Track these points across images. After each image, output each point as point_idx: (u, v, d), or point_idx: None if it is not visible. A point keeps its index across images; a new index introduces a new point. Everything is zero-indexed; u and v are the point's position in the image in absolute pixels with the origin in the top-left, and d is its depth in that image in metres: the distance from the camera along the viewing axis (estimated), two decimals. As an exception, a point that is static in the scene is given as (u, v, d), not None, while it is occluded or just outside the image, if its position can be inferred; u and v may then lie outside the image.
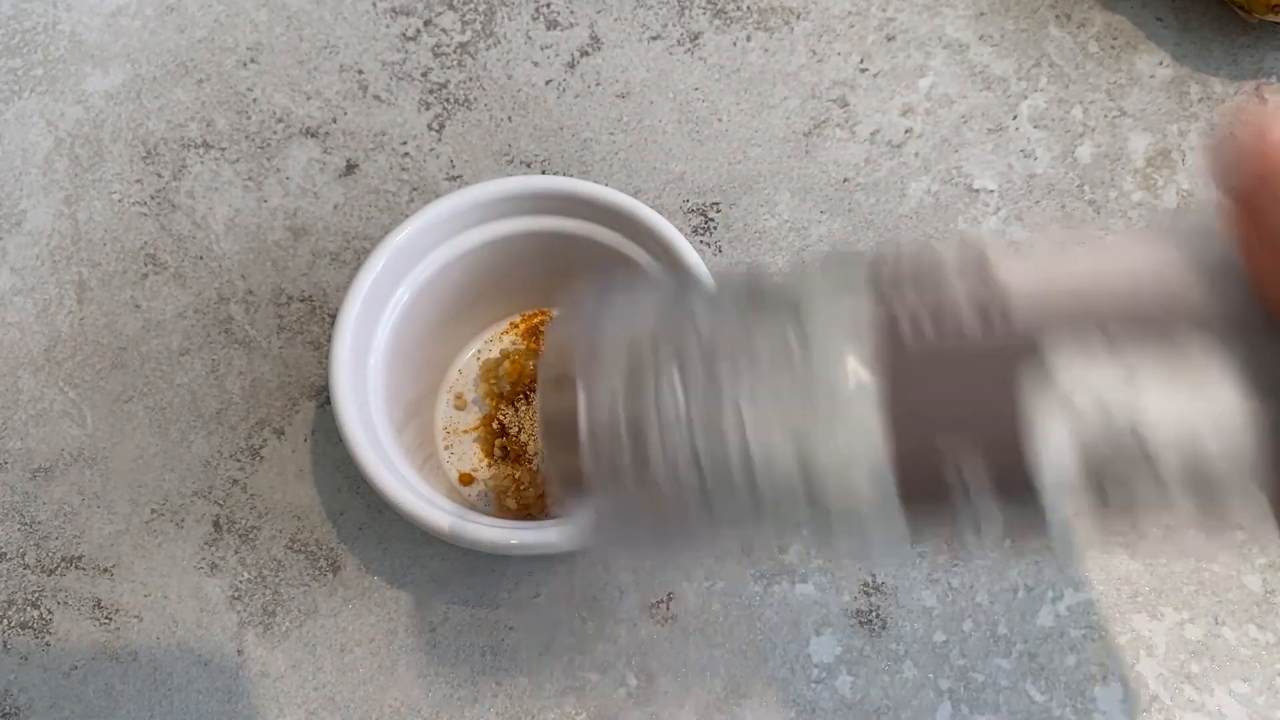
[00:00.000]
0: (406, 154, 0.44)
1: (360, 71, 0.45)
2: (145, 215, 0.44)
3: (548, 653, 0.38)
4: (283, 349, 0.42)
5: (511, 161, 0.44)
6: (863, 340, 0.19)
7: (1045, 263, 0.18)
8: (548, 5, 0.46)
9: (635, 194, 0.43)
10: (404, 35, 0.46)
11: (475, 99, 0.45)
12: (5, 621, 0.38)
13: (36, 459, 0.40)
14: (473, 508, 0.38)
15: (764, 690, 0.37)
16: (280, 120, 0.45)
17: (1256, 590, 0.38)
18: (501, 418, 0.39)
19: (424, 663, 0.38)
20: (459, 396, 0.41)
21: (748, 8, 0.46)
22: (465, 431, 0.40)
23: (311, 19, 0.46)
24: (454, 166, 0.44)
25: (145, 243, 0.43)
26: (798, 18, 0.46)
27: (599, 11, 0.46)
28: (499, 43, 0.46)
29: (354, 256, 0.43)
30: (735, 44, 0.46)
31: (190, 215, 0.44)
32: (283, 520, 0.39)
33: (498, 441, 0.39)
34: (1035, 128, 0.44)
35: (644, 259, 0.36)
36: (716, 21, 0.46)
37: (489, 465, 0.40)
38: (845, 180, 0.44)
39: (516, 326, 0.42)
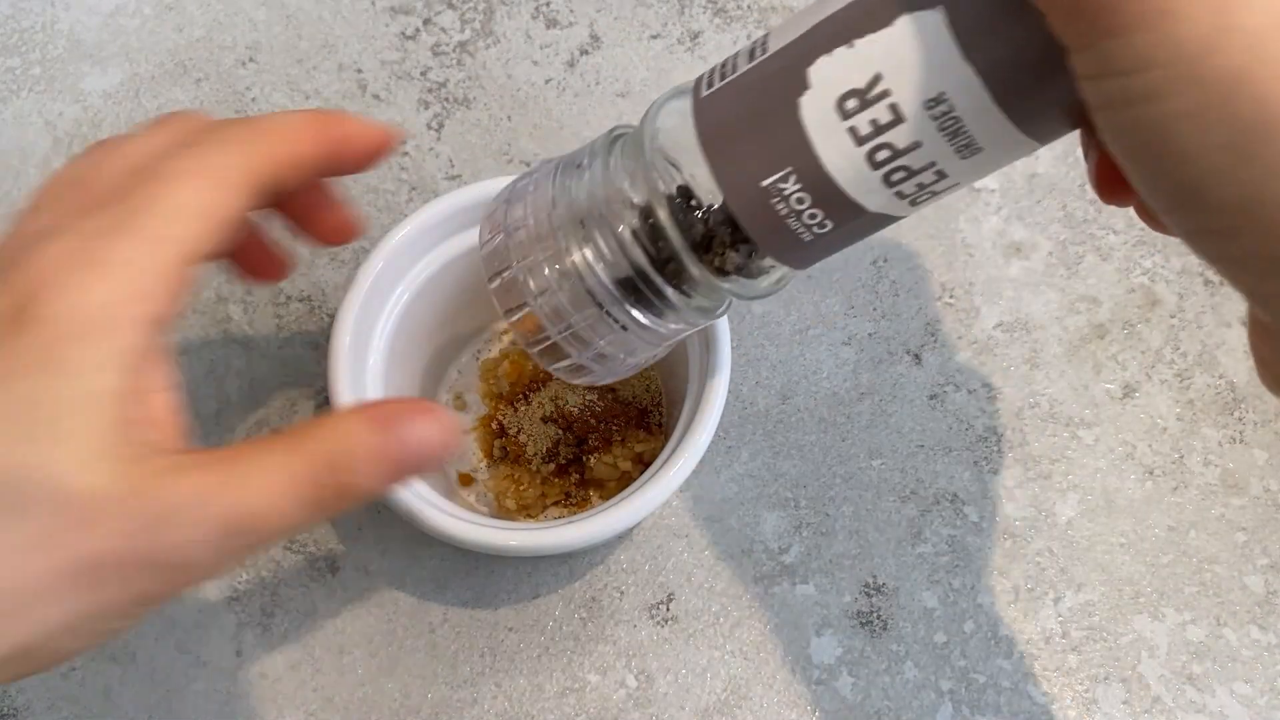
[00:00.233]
0: (406, 153, 0.44)
1: (359, 70, 0.45)
2: (144, 215, 0.44)
3: (547, 653, 0.38)
4: (281, 349, 0.41)
5: (511, 161, 0.44)
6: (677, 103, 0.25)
7: (802, 13, 0.24)
8: (547, 4, 0.46)
9: (635, 193, 0.43)
10: (403, 34, 0.46)
11: (474, 98, 0.45)
12: (3, 622, 0.38)
13: (35, 459, 0.40)
14: (472, 508, 0.38)
15: (764, 691, 0.37)
16: (279, 119, 0.45)
17: (1258, 591, 0.38)
18: (501, 418, 0.39)
19: (423, 664, 0.37)
20: (458, 396, 0.41)
21: (748, 6, 0.46)
22: (465, 432, 0.40)
23: (310, 18, 0.46)
24: (453, 166, 0.44)
25: (144, 242, 0.43)
26: (798, 16, 0.46)
27: (599, 10, 0.46)
28: (498, 41, 0.46)
29: (353, 256, 0.43)
30: (736, 43, 0.46)
31: (189, 215, 0.43)
32: (281, 521, 0.39)
33: (497, 442, 0.39)
34: (1036, 127, 0.44)
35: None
36: (717, 20, 0.46)
37: (488, 465, 0.39)
38: (846, 179, 0.44)
39: (516, 326, 0.41)
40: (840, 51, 0.22)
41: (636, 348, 0.28)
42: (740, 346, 0.41)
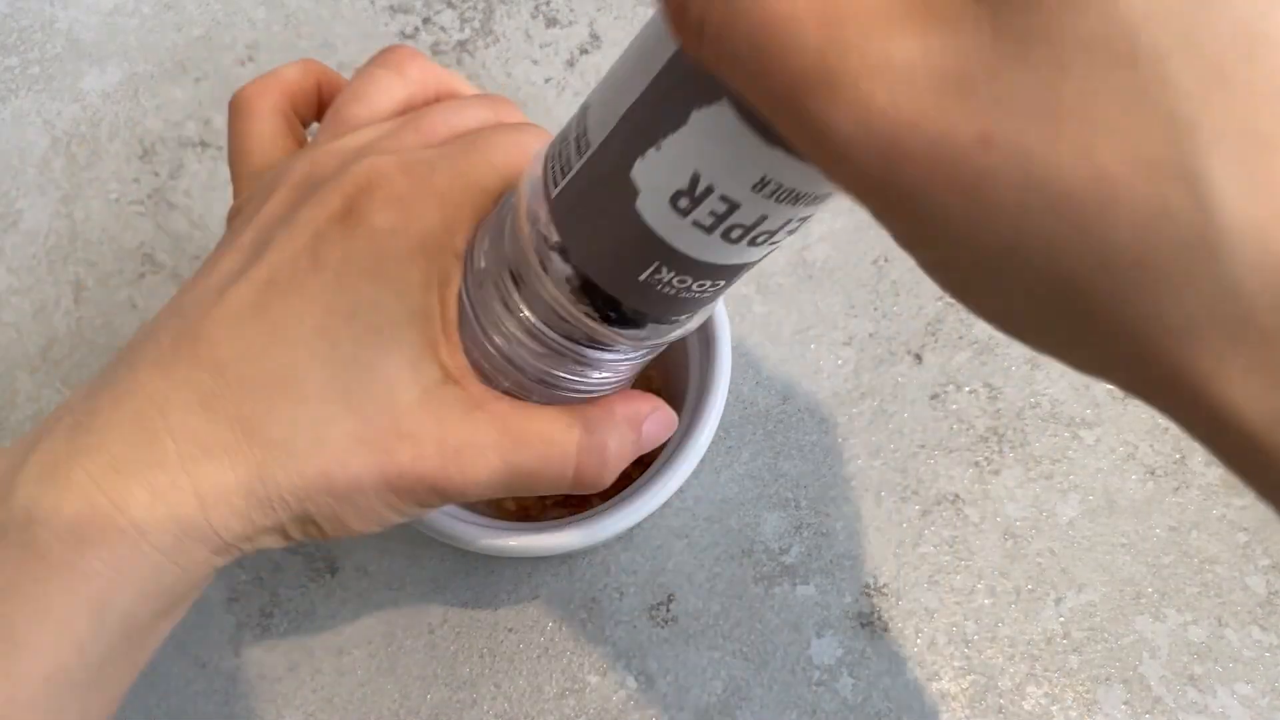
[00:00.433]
0: (405, 153, 0.44)
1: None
2: (142, 214, 0.43)
3: (546, 654, 0.37)
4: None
5: (511, 160, 0.44)
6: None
7: (612, 86, 0.23)
8: (547, 3, 0.46)
9: (635, 193, 0.43)
10: (402, 33, 0.46)
11: (474, 97, 0.45)
12: (2, 623, 0.38)
13: (33, 460, 0.40)
14: (471, 509, 0.38)
15: (764, 693, 0.37)
16: (278, 119, 0.45)
17: (1260, 592, 0.38)
18: (500, 418, 0.39)
19: (422, 665, 0.37)
20: (458, 397, 0.41)
21: (748, 5, 0.46)
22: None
23: (310, 17, 0.46)
24: (453, 165, 0.44)
25: (142, 242, 0.43)
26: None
27: (599, 9, 0.46)
28: (498, 40, 0.46)
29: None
30: (736, 42, 0.46)
31: (188, 214, 0.43)
32: (281, 521, 0.39)
33: (497, 442, 0.39)
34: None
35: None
36: (717, 19, 0.46)
37: (488, 466, 0.39)
38: (846, 179, 0.43)
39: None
40: (651, 154, 0.21)
41: (592, 378, 0.28)
42: (740, 346, 0.41)
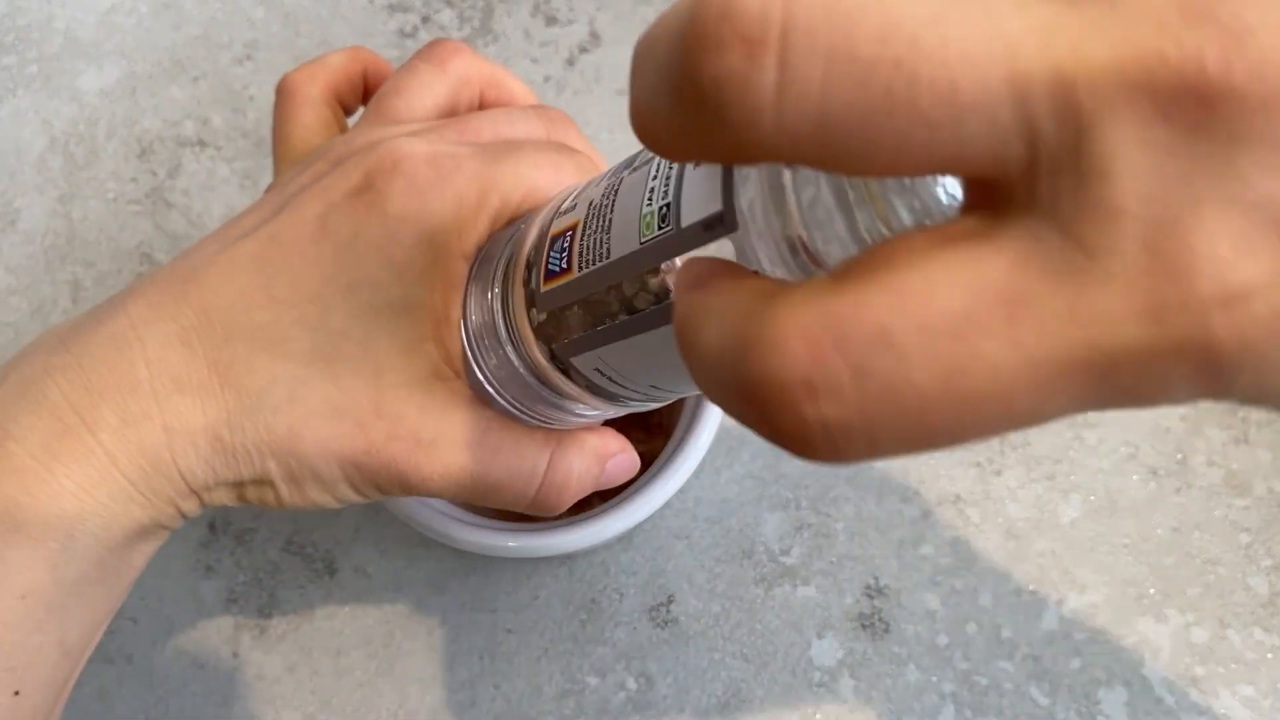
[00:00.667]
0: (404, 152, 0.44)
1: (357, 68, 0.45)
2: (140, 214, 0.43)
3: (546, 656, 0.37)
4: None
5: (510, 159, 0.44)
6: None
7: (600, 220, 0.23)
8: (547, 1, 0.46)
9: (635, 192, 0.43)
10: (401, 32, 0.46)
11: (473, 96, 0.45)
12: None
13: (30, 460, 0.40)
14: (471, 509, 0.38)
15: (765, 694, 0.37)
16: (277, 118, 0.44)
17: (1263, 593, 0.38)
18: (500, 418, 0.39)
19: (421, 666, 0.37)
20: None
21: (748, 4, 0.46)
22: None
23: (309, 15, 0.46)
24: (452, 164, 0.44)
25: (140, 241, 0.43)
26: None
27: (599, 8, 0.46)
28: (497, 39, 0.46)
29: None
30: (736, 41, 0.46)
31: (186, 214, 0.43)
32: (278, 522, 0.39)
33: (496, 442, 0.39)
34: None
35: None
36: (717, 18, 0.46)
37: (487, 466, 0.39)
38: (847, 178, 0.43)
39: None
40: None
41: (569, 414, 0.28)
42: (741, 346, 0.41)
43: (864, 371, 0.12)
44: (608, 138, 0.44)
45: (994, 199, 0.12)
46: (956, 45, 0.11)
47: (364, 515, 0.39)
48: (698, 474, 0.39)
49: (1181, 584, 0.38)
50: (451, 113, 0.31)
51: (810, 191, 0.16)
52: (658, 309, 0.21)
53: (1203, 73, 0.11)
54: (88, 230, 0.43)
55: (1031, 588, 0.38)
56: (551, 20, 0.46)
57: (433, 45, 0.31)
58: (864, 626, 0.38)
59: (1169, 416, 0.40)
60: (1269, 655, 0.37)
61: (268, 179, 0.43)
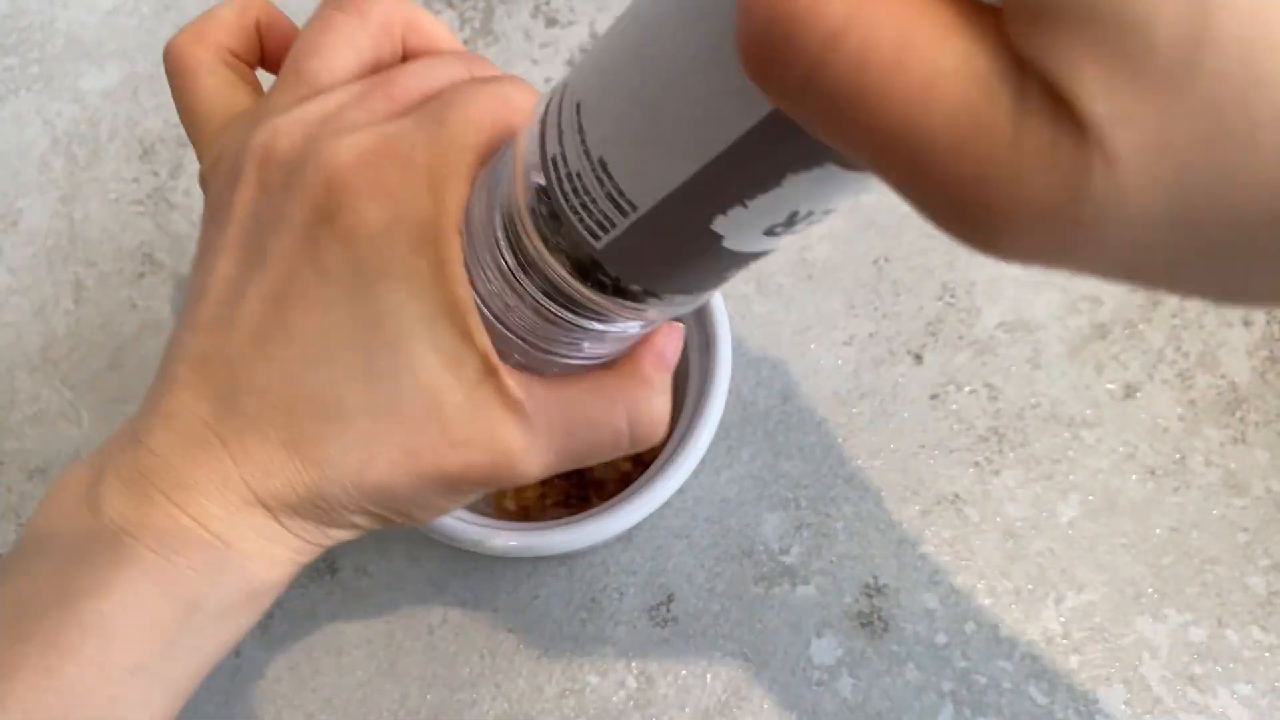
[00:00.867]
0: (405, 152, 0.44)
1: (358, 69, 0.45)
2: (142, 214, 0.43)
3: (546, 655, 0.37)
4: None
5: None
6: None
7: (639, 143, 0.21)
8: (547, 2, 0.46)
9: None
10: (402, 33, 0.46)
11: (474, 97, 0.45)
12: (1, 623, 0.38)
13: (33, 459, 0.40)
14: (471, 509, 0.38)
15: (765, 693, 0.37)
16: (278, 118, 0.45)
17: (1260, 592, 0.38)
18: (500, 418, 0.39)
19: (422, 665, 0.37)
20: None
21: (748, 5, 0.46)
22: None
23: (308, 16, 0.46)
24: (453, 165, 0.44)
25: (142, 242, 0.43)
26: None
27: (599, 9, 0.46)
28: (498, 40, 0.46)
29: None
30: (736, 42, 0.46)
31: (187, 214, 0.43)
32: (280, 521, 0.39)
33: (497, 442, 0.39)
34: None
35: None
36: (717, 19, 0.46)
37: (488, 466, 0.39)
38: (846, 179, 0.43)
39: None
40: (736, 210, 0.19)
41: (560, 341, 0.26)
42: (740, 347, 0.41)
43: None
44: (608, 138, 0.44)
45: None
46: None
47: (365, 515, 0.39)
48: (698, 474, 0.39)
49: (1180, 583, 0.38)
50: (375, 68, 0.28)
51: None
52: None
53: None
54: (89, 230, 0.43)
55: (1030, 587, 0.38)
56: (552, 21, 0.46)
57: None
58: (863, 625, 0.38)
59: (1168, 416, 0.40)
60: (1266, 654, 0.37)
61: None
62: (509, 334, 0.26)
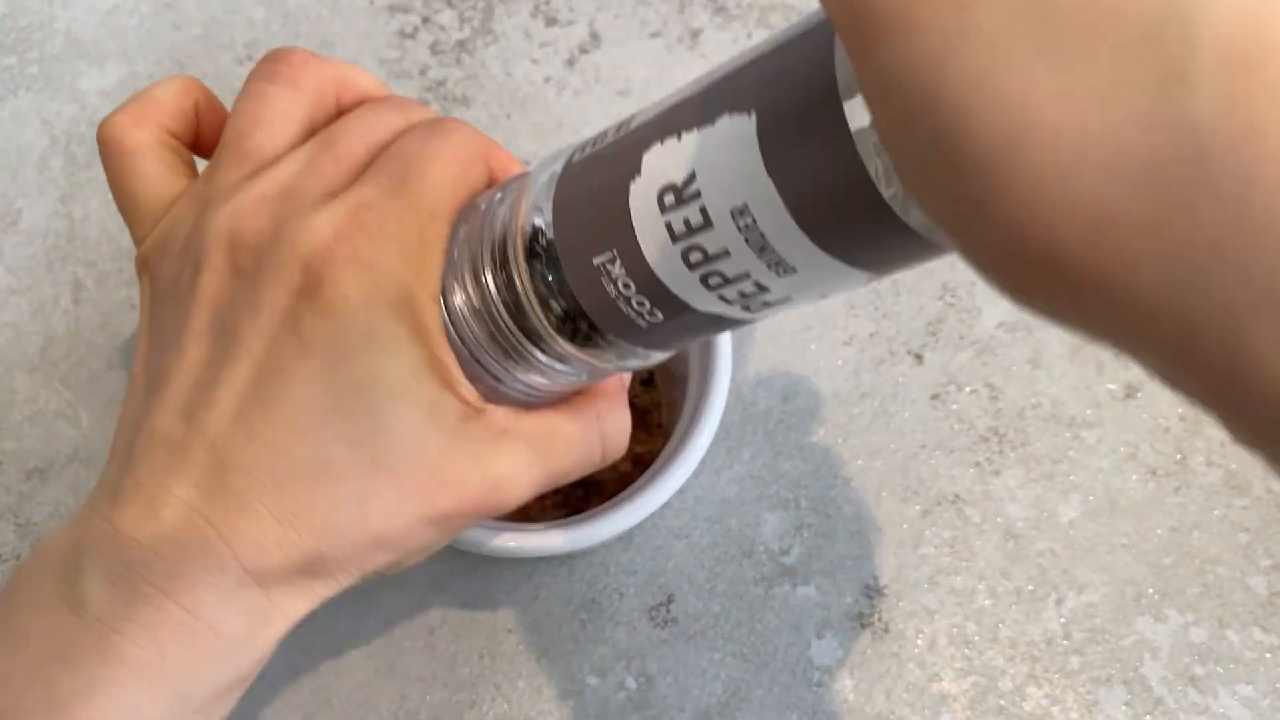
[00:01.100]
0: (404, 152, 0.44)
1: (358, 69, 0.45)
2: (141, 214, 0.43)
3: (546, 656, 0.37)
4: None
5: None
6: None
7: (675, 92, 0.23)
8: (546, 2, 0.46)
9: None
10: (401, 32, 0.46)
11: (473, 97, 0.45)
12: None
13: (32, 459, 0.40)
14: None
15: (765, 694, 0.37)
16: (277, 118, 0.44)
17: (1261, 593, 0.38)
18: (500, 418, 0.39)
19: (421, 666, 0.37)
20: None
21: (748, 5, 0.46)
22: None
23: (309, 15, 0.46)
24: (452, 165, 0.44)
25: (141, 242, 0.43)
26: (799, 15, 0.46)
27: (599, 8, 0.46)
28: (497, 40, 0.46)
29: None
30: (736, 41, 0.46)
31: (186, 214, 0.43)
32: (279, 522, 0.39)
33: (496, 442, 0.39)
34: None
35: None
36: (717, 19, 0.46)
37: (487, 466, 0.39)
38: (847, 178, 0.43)
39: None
40: (670, 143, 0.21)
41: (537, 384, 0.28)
42: (740, 347, 0.41)
43: None
44: (608, 138, 0.44)
45: None
46: None
47: (364, 515, 0.39)
48: (698, 474, 0.39)
49: (1181, 584, 0.38)
50: (312, 132, 0.29)
51: None
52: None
53: None
54: (89, 230, 0.43)
55: (1030, 587, 0.38)
56: (552, 21, 0.46)
57: (275, 61, 0.29)
58: (863, 626, 0.38)
59: (1169, 416, 0.40)
60: (1268, 655, 0.37)
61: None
62: (496, 378, 0.27)
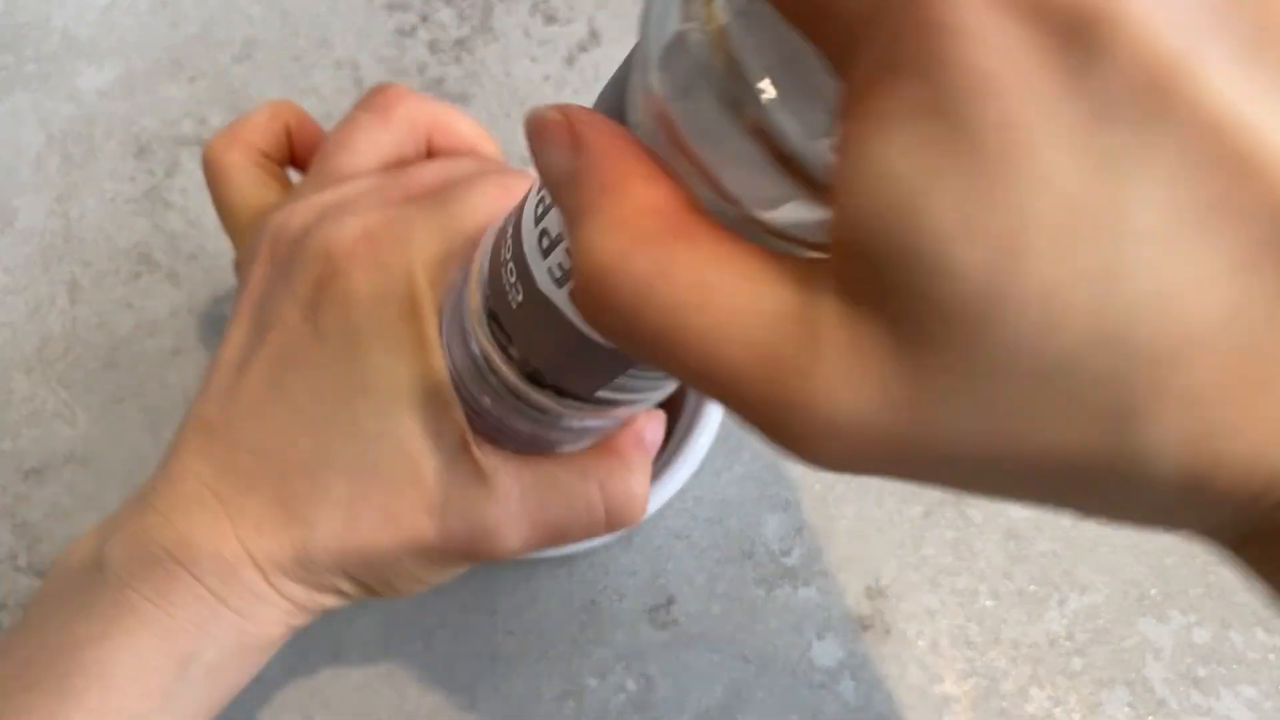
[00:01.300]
0: (403, 151, 0.44)
1: (356, 67, 0.45)
2: (138, 213, 0.43)
3: (545, 658, 0.37)
4: (277, 349, 0.41)
5: (510, 159, 0.44)
6: None
7: None
8: (546, 0, 0.46)
9: (635, 191, 0.42)
10: (400, 30, 0.46)
11: (473, 95, 0.45)
12: (-4, 625, 0.38)
13: (28, 460, 0.40)
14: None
15: (766, 695, 0.37)
16: (275, 117, 0.44)
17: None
18: (499, 419, 0.38)
19: (420, 668, 0.37)
20: (456, 397, 0.40)
21: (749, 3, 0.46)
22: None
23: (307, 14, 0.46)
24: (451, 164, 0.44)
25: (138, 241, 0.43)
26: (799, 13, 0.46)
27: (598, 7, 0.46)
28: (497, 38, 0.45)
29: (350, 255, 0.42)
30: (736, 39, 0.46)
31: (184, 214, 0.43)
32: (277, 523, 0.39)
33: (495, 443, 0.39)
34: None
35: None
36: (717, 17, 0.46)
37: (486, 467, 0.39)
38: (847, 177, 0.43)
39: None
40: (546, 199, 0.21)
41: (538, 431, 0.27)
42: (741, 346, 0.41)
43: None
44: (607, 137, 0.44)
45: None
46: None
47: (363, 516, 0.39)
48: (698, 474, 0.39)
49: (1183, 584, 0.38)
50: (399, 162, 0.30)
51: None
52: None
53: None
54: (85, 229, 0.43)
55: (1033, 588, 0.38)
56: (551, 19, 0.46)
57: (375, 93, 0.31)
58: (865, 628, 0.37)
59: (1171, 417, 0.40)
60: (1271, 656, 0.37)
61: (266, 178, 0.43)
62: (483, 414, 0.26)
